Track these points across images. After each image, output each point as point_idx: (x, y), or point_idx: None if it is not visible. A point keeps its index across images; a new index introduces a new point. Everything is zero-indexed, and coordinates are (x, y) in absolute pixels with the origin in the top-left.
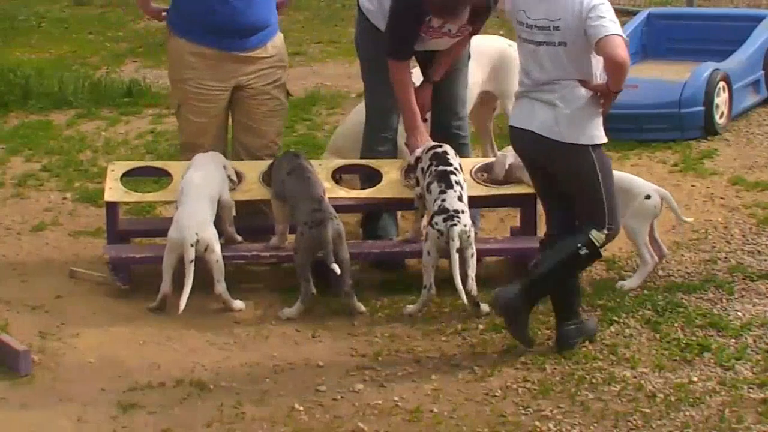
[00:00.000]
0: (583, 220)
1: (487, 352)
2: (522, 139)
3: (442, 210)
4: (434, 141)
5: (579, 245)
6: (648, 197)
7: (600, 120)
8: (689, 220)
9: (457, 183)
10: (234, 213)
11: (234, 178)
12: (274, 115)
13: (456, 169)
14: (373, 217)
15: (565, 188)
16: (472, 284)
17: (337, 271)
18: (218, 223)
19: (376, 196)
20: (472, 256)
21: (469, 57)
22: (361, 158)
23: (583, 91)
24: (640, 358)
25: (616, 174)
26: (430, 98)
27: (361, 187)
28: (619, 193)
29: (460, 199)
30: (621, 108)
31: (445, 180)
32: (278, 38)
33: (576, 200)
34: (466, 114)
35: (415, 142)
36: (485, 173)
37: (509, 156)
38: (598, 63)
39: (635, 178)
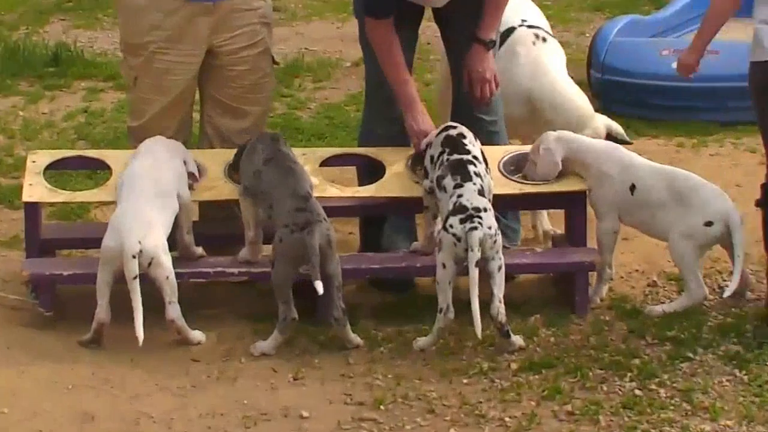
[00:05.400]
0: None
1: (522, 399)
2: None
3: (459, 209)
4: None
5: None
6: (709, 224)
7: None
8: (731, 288)
9: (477, 174)
10: (195, 217)
11: (196, 173)
12: (257, 90)
13: (475, 157)
14: (375, 222)
15: None
16: (500, 308)
17: (320, 290)
18: (173, 230)
19: (377, 195)
20: (500, 269)
21: None
22: (360, 145)
23: None
24: (723, 407)
25: (682, 172)
26: (490, 68)
27: (360, 183)
28: (677, 200)
29: (481, 194)
30: (698, 81)
31: (460, 171)
32: None
33: None
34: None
35: (413, 122)
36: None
37: (556, 146)
38: None
39: (707, 187)
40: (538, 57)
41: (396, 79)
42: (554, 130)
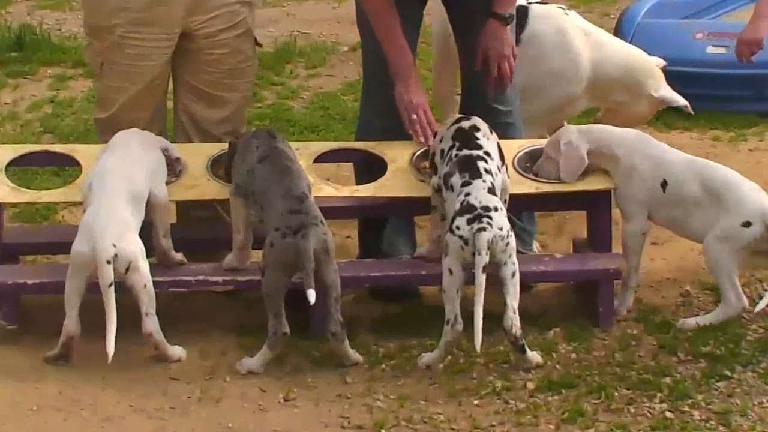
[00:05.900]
0: None
1: (540, 422)
2: None
3: (466, 208)
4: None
5: None
6: (747, 224)
7: None
8: (763, 301)
9: (488, 171)
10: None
11: (180, 158)
12: (237, 75)
13: (487, 152)
14: (375, 225)
15: None
16: (514, 319)
17: (312, 299)
18: (146, 233)
19: (377, 195)
20: (513, 275)
21: None
22: (358, 138)
23: None
24: (764, 430)
25: (716, 167)
26: (508, 43)
27: (358, 181)
28: (710, 197)
29: (491, 192)
30: (734, 68)
31: (469, 167)
32: None
33: None
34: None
35: (404, 91)
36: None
37: (579, 139)
38: None
39: (743, 184)
40: (584, 26)
41: (392, 48)
42: (618, 100)
